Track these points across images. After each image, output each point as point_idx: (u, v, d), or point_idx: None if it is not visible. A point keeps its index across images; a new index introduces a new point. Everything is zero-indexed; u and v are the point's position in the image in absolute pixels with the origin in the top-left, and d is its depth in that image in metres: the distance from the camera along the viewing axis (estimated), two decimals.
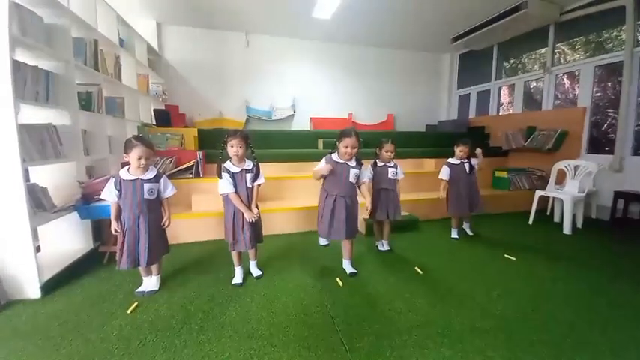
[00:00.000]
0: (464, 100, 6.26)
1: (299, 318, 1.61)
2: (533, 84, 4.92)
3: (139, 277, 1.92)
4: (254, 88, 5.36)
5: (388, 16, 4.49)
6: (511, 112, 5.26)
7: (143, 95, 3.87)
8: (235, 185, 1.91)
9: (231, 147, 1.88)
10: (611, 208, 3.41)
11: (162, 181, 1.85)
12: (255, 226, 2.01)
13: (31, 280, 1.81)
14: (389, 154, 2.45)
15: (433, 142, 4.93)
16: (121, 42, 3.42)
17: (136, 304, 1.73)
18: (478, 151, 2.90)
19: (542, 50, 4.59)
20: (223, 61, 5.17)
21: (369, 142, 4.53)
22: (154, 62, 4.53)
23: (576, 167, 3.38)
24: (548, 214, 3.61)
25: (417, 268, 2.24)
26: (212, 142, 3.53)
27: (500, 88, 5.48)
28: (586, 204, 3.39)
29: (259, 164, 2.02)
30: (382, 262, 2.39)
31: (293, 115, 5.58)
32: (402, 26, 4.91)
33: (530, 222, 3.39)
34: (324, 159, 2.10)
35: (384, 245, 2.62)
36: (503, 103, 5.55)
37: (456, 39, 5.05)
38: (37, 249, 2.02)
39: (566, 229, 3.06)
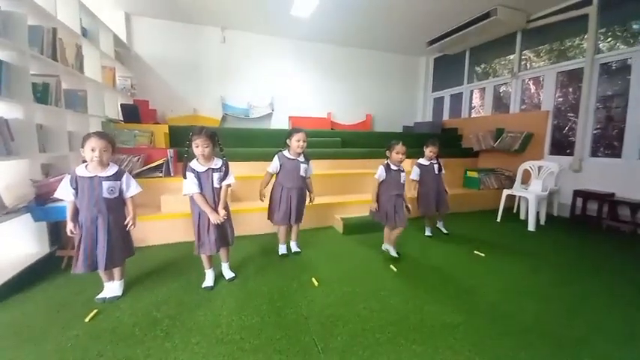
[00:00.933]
0: (439, 103, 6.46)
1: (272, 320, 1.57)
2: (502, 88, 5.16)
3: (100, 283, 1.79)
4: (231, 85, 5.22)
5: (366, 17, 4.54)
6: (482, 114, 5.49)
7: (109, 89, 3.66)
8: (201, 185, 1.81)
9: (196, 147, 1.77)
10: (571, 206, 3.65)
11: (124, 178, 1.73)
12: (222, 228, 1.91)
13: None
14: (400, 156, 2.32)
15: (410, 142, 5.01)
16: (84, 31, 3.21)
17: (95, 311, 1.61)
18: None
19: (511, 56, 4.82)
20: (198, 56, 5.00)
21: (347, 141, 4.61)
22: (121, 55, 4.29)
23: (540, 167, 3.57)
24: (514, 211, 3.80)
25: (391, 266, 2.26)
26: (185, 140, 3.38)
27: (472, 92, 5.71)
28: (549, 202, 3.61)
29: (229, 163, 1.93)
30: (358, 260, 2.39)
31: (271, 113, 5.50)
32: (380, 28, 4.98)
33: (498, 219, 3.55)
34: (276, 157, 2.33)
35: (391, 251, 2.42)
36: (475, 106, 5.78)
37: (431, 43, 5.20)
38: None
39: (531, 226, 3.23)
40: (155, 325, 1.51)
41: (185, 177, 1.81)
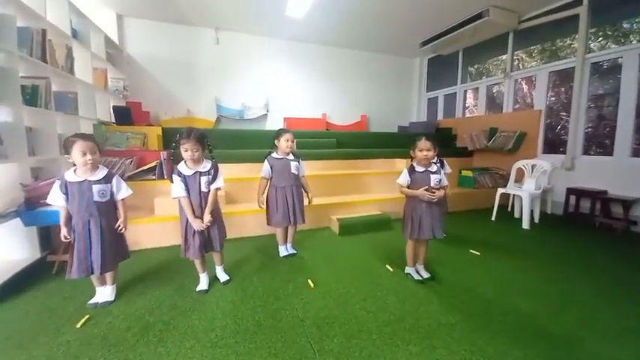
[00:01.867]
0: (433, 103, 6.49)
1: (267, 323, 1.56)
2: (495, 88, 5.21)
3: (92, 288, 1.76)
4: (225, 86, 5.19)
5: (360, 19, 4.56)
6: (476, 114, 5.53)
7: (100, 91, 3.61)
8: (188, 189, 1.77)
9: (185, 150, 1.71)
10: (564, 204, 3.68)
11: (114, 181, 1.70)
12: (208, 233, 1.85)
13: None
14: (424, 153, 1.89)
15: (405, 142, 5.04)
16: (75, 32, 3.17)
17: (87, 317, 1.59)
18: None
19: (503, 56, 4.86)
20: (192, 57, 4.96)
21: (342, 142, 4.61)
22: (113, 56, 4.24)
23: (533, 166, 3.60)
24: (509, 209, 3.83)
25: (387, 266, 2.26)
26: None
27: (465, 92, 5.75)
28: (542, 200, 3.64)
29: (219, 165, 1.88)
30: (354, 261, 2.38)
31: (266, 114, 5.48)
32: (374, 29, 5.00)
33: (493, 218, 3.57)
34: (265, 161, 2.33)
35: (419, 273, 2.09)
36: (468, 106, 5.82)
37: (424, 43, 5.23)
38: None
39: (525, 224, 3.26)
40: (148, 330, 1.49)
41: (172, 180, 1.77)
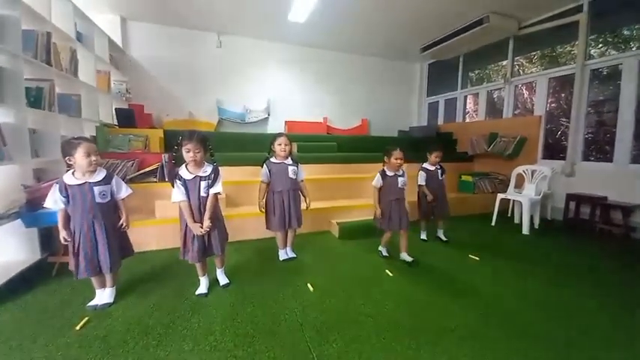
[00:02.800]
0: (433, 107, 6.52)
1: (266, 327, 1.56)
2: (496, 93, 5.23)
3: (92, 291, 1.77)
4: (227, 89, 5.23)
5: (361, 23, 4.60)
6: (476, 119, 5.55)
7: (103, 93, 3.64)
8: (188, 193, 1.77)
9: (187, 151, 1.71)
10: (564, 210, 3.68)
11: (113, 181, 1.72)
12: (207, 238, 1.84)
13: None
14: (398, 161, 2.34)
15: (405, 146, 5.05)
16: (79, 36, 3.20)
17: (86, 319, 1.59)
18: None
19: (504, 62, 4.89)
20: (194, 60, 5.00)
21: (343, 146, 4.62)
22: (116, 59, 4.28)
23: (533, 172, 3.61)
24: (509, 215, 3.82)
25: (387, 270, 2.26)
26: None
27: (465, 97, 5.77)
28: (542, 206, 3.64)
29: (220, 169, 1.87)
30: (354, 265, 2.38)
31: (268, 118, 5.51)
32: (375, 34, 5.04)
33: (493, 223, 3.57)
34: (264, 165, 2.35)
35: (406, 257, 2.43)
36: (469, 111, 5.84)
37: (425, 49, 5.26)
38: None
39: (525, 230, 3.26)
40: (147, 333, 1.49)
41: (173, 184, 1.78)
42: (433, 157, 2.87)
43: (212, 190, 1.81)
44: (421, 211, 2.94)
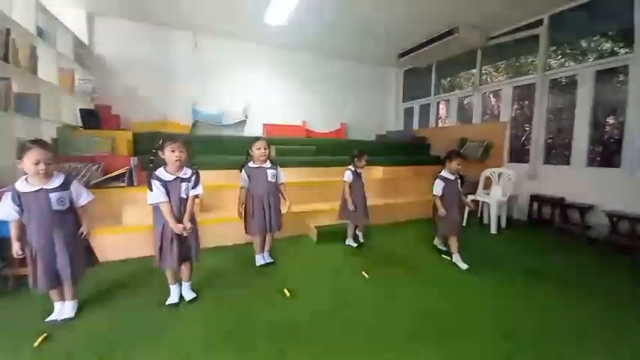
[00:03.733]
0: (409, 112, 6.72)
1: (240, 335, 1.52)
2: (466, 100, 5.48)
3: (51, 304, 1.64)
4: (202, 90, 5.09)
5: (339, 29, 4.66)
6: (448, 124, 5.78)
7: (66, 92, 3.42)
8: (168, 195, 1.72)
9: (172, 151, 1.69)
10: (528, 210, 3.92)
11: (73, 187, 1.61)
12: (186, 242, 1.81)
13: None
14: (363, 162, 2.82)
15: (382, 150, 5.17)
16: (40, 31, 2.99)
17: (45, 335, 1.48)
18: None
19: (473, 71, 5.14)
20: (168, 60, 4.83)
21: (322, 149, 4.64)
22: (82, 57, 4.04)
23: (500, 174, 3.81)
24: (479, 216, 4.00)
25: (363, 272, 2.29)
26: (151, 147, 3.23)
27: (438, 103, 6.01)
28: (509, 206, 3.84)
29: (199, 172, 1.86)
30: (331, 269, 2.39)
31: (245, 120, 5.42)
32: (353, 40, 5.12)
33: (464, 223, 3.72)
34: (243, 171, 2.32)
35: (360, 237, 2.95)
36: (441, 117, 6.08)
37: (401, 55, 5.42)
38: None
39: (493, 229, 3.43)
40: (112, 349, 1.41)
41: (150, 188, 1.71)
42: (455, 164, 2.53)
43: (193, 193, 1.80)
44: (445, 227, 2.57)
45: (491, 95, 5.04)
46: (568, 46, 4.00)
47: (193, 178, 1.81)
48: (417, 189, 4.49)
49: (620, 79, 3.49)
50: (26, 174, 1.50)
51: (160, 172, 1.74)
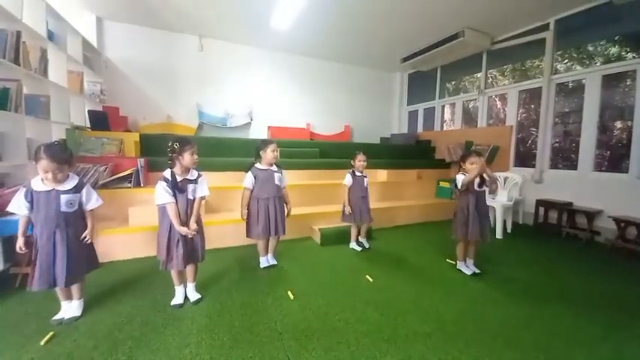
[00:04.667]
0: (413, 116, 6.72)
1: (244, 337, 1.53)
2: (471, 104, 5.47)
3: (58, 303, 1.66)
4: (208, 93, 5.14)
5: (344, 33, 4.69)
6: (453, 128, 5.76)
7: (76, 94, 3.48)
8: (175, 196, 1.75)
9: (191, 155, 1.76)
10: (534, 215, 3.88)
11: (84, 191, 1.63)
12: (192, 243, 1.83)
13: None
14: (362, 162, 2.83)
15: (387, 153, 5.17)
16: (51, 34, 3.06)
17: (51, 334, 1.49)
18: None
19: (478, 74, 5.13)
20: (174, 63, 4.90)
21: (326, 152, 4.66)
22: (91, 60, 4.12)
23: (506, 178, 3.79)
24: None
25: (367, 276, 2.28)
26: (157, 149, 3.28)
27: (443, 106, 5.99)
28: (515, 211, 3.81)
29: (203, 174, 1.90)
30: (335, 271, 2.39)
31: (250, 123, 5.46)
32: (357, 44, 5.15)
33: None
34: (249, 172, 2.30)
35: (364, 243, 2.94)
36: (446, 120, 6.06)
37: (405, 59, 5.43)
38: None
39: (499, 234, 3.40)
40: (117, 348, 1.42)
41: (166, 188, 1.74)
42: (468, 164, 2.34)
43: (200, 194, 1.84)
44: (459, 230, 2.38)
45: (496, 99, 5.02)
46: (575, 50, 3.98)
47: (199, 179, 1.85)
48: (421, 192, 4.48)
49: (628, 83, 3.46)
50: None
51: (168, 173, 1.77)
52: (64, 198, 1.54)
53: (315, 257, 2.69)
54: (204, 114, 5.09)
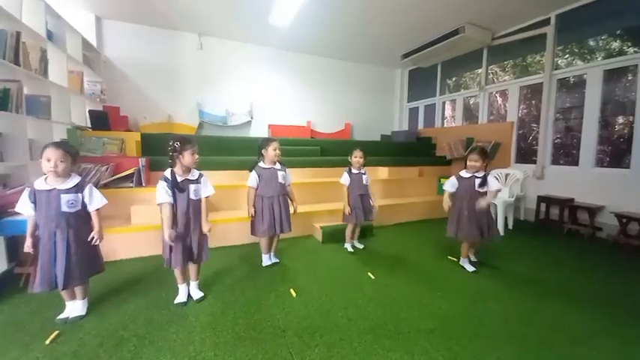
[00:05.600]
0: (414, 112, 6.71)
1: (248, 334, 1.54)
2: (472, 100, 5.45)
3: (62, 302, 1.67)
4: (208, 92, 5.14)
5: (343, 30, 4.67)
6: (453, 124, 5.75)
7: (76, 94, 3.48)
8: (175, 196, 1.74)
9: (192, 154, 1.76)
10: (535, 211, 3.88)
11: (86, 190, 1.62)
12: (195, 241, 1.81)
13: None
14: (357, 159, 2.71)
15: (387, 151, 5.16)
16: (50, 34, 3.05)
17: (56, 333, 1.51)
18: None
19: (479, 70, 5.11)
20: (174, 62, 4.89)
21: (326, 149, 4.65)
22: (90, 59, 4.11)
23: (507, 175, 3.78)
24: None
25: (369, 273, 2.29)
26: (158, 148, 3.28)
27: (444, 103, 5.98)
28: (516, 207, 3.81)
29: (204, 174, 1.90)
30: (337, 268, 2.40)
31: (250, 121, 5.45)
32: (357, 41, 5.13)
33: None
34: (252, 171, 2.31)
35: (356, 244, 2.88)
36: (447, 117, 6.05)
37: (405, 56, 5.41)
38: None
39: (500, 231, 3.39)
40: (121, 346, 1.43)
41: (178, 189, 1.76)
42: (468, 161, 2.35)
43: (205, 194, 1.84)
44: (457, 229, 2.41)
45: (497, 95, 5.01)
46: (576, 45, 3.96)
47: (202, 179, 1.84)
48: (422, 189, 4.48)
49: (629, 78, 3.44)
50: (45, 174, 1.53)
51: (169, 173, 1.76)
52: (64, 197, 1.54)
53: (317, 255, 2.70)
54: (205, 113, 5.09)
